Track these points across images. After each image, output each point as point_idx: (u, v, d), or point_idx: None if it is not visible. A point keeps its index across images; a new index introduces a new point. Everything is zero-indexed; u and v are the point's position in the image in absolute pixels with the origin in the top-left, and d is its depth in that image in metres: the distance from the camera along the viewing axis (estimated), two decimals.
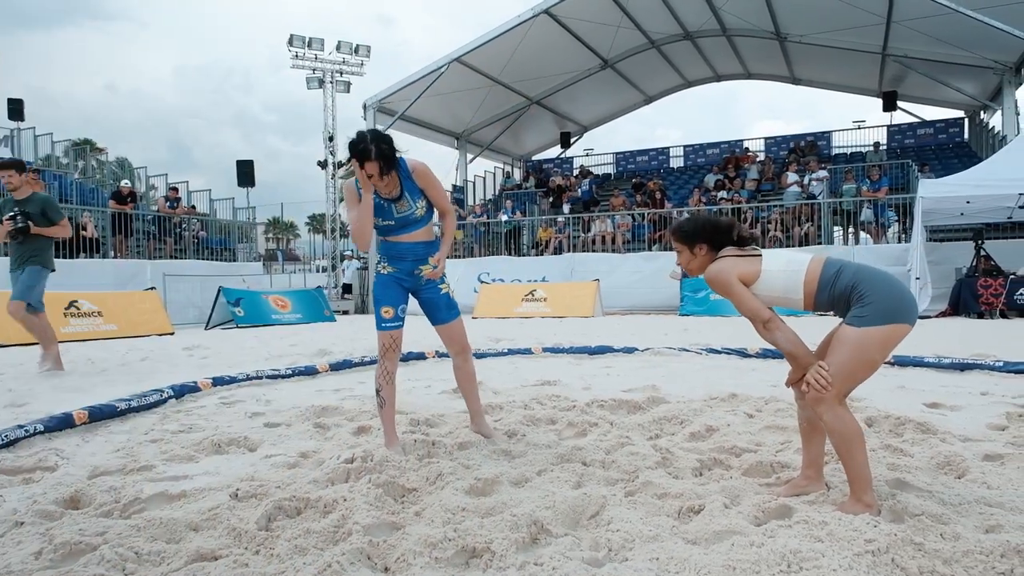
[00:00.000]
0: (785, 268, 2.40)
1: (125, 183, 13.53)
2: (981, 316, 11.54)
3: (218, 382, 4.76)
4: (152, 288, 11.62)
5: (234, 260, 15.16)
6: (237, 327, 11.71)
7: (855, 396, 4.24)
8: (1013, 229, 13.68)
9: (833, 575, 1.70)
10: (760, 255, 2.47)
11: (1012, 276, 11.55)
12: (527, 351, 6.71)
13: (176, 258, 13.86)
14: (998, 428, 3.50)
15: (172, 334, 10.59)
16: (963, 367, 5.31)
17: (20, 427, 3.31)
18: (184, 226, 14.31)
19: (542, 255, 16.57)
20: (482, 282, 15.67)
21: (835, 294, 2.35)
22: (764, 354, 6.31)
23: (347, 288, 19.97)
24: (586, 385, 4.93)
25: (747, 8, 17.06)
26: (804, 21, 17.34)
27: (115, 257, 12.85)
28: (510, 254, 17.01)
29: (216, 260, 14.65)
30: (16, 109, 18.21)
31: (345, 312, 17.19)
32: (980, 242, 12.12)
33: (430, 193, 3.16)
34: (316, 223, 67.28)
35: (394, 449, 3.03)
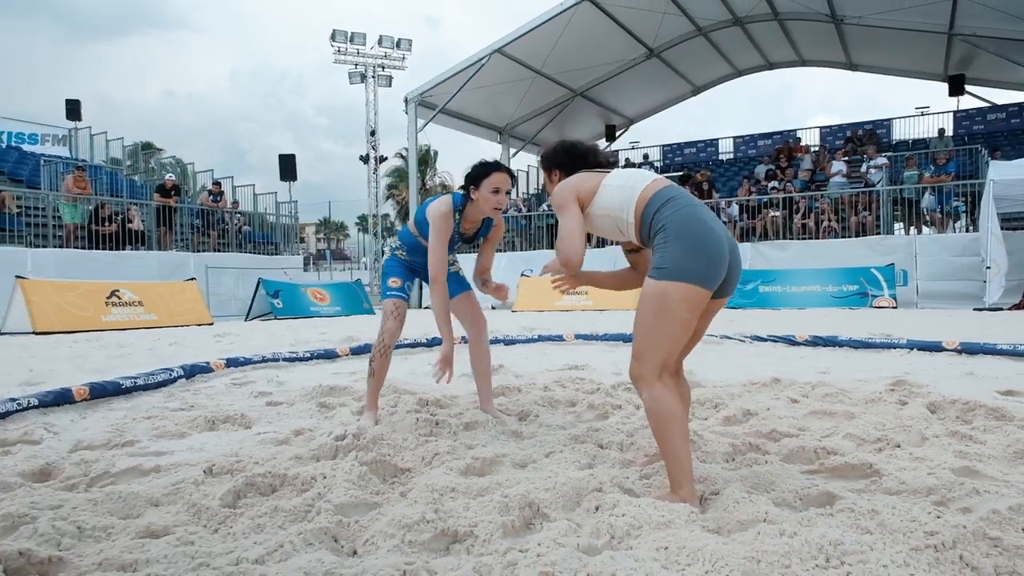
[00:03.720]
0: (623, 184, 2.15)
1: (169, 176, 13.74)
2: None
3: (232, 363, 4.60)
4: (192, 279, 11.72)
5: (277, 254, 15.24)
6: (276, 319, 11.72)
7: (917, 382, 3.81)
8: None
9: (883, 571, 1.36)
10: (607, 172, 2.25)
11: None
12: (558, 338, 6.40)
13: (219, 251, 14.00)
14: None
15: (211, 324, 10.63)
16: None
17: (12, 400, 3.18)
18: (228, 220, 14.45)
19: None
20: (524, 276, 15.39)
21: (651, 231, 2.06)
22: (813, 341, 5.85)
23: None
24: (616, 370, 4.59)
25: None
26: (862, 1, 16.47)
27: (159, 249, 13.04)
28: (552, 248, 16.67)
29: (259, 254, 14.76)
30: (73, 109, 18.79)
31: None
32: None
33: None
34: (364, 223, 68.43)
35: (369, 417, 3.05)
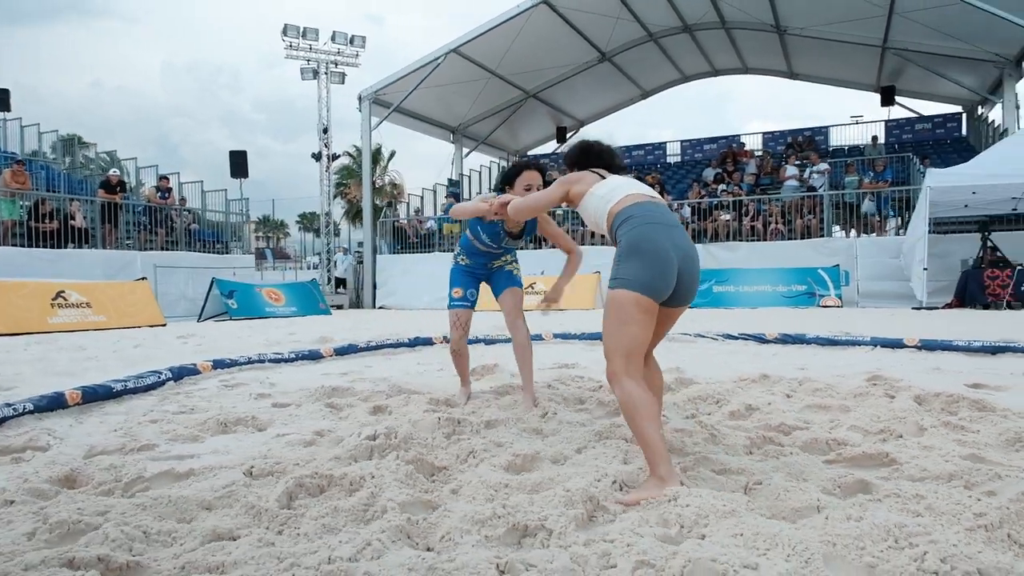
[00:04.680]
0: (602, 196, 2.42)
1: (114, 172, 13.16)
2: (987, 307, 11.40)
3: (219, 365, 4.51)
4: (143, 278, 11.30)
5: (227, 253, 14.82)
6: (231, 319, 11.41)
7: (892, 377, 4.04)
8: (1018, 221, 13.56)
9: (954, 550, 1.48)
10: (605, 178, 2.51)
11: (1019, 267, 11.43)
12: (538, 337, 6.48)
13: (167, 249, 13.52)
14: None
15: (164, 325, 10.28)
16: (994, 350, 5.13)
17: (8, 405, 3.05)
18: (176, 218, 13.96)
19: (540, 248, 16.34)
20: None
21: (615, 237, 2.34)
22: (783, 339, 6.11)
23: (340, 282, 19.69)
24: (592, 366, 4.70)
25: (747, 0, 16.88)
26: (805, 13, 17.16)
27: (104, 247, 12.50)
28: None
29: (209, 252, 14.32)
30: (2, 99, 17.78)
31: (339, 306, 16.90)
32: (987, 233, 11.99)
33: (551, 232, 3.42)
34: (307, 221, 66.82)
35: (462, 393, 3.58)
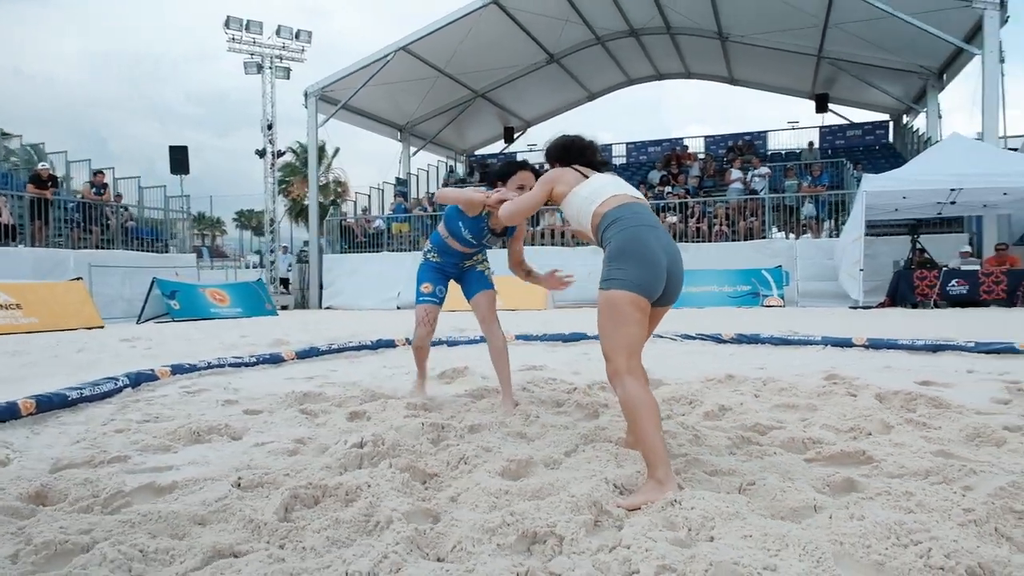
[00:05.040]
0: (586, 197, 2.43)
1: (43, 165, 12.46)
2: (915, 306, 12.00)
3: (178, 370, 4.34)
4: (78, 279, 10.77)
5: (166, 252, 14.27)
6: (173, 321, 11.00)
7: (847, 375, 4.21)
8: (943, 224, 14.34)
9: (955, 545, 1.56)
10: (588, 177, 2.51)
11: (945, 268, 12.08)
12: None
13: (102, 248, 12.91)
14: (1002, 402, 3.50)
15: (102, 327, 9.83)
16: (935, 348, 5.40)
17: None
18: (112, 215, 13.35)
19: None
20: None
21: (602, 239, 2.37)
22: (738, 339, 6.29)
23: (283, 282, 19.23)
24: (575, 370, 4.75)
25: (692, 7, 17.31)
26: (747, 22, 17.72)
27: (34, 245, 11.85)
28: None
29: (147, 251, 13.76)
30: None
31: (284, 307, 16.50)
32: (916, 236, 12.63)
33: (516, 248, 3.48)
34: (245, 219, 64.91)
35: (418, 386, 3.67)
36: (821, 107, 22.09)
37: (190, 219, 15.43)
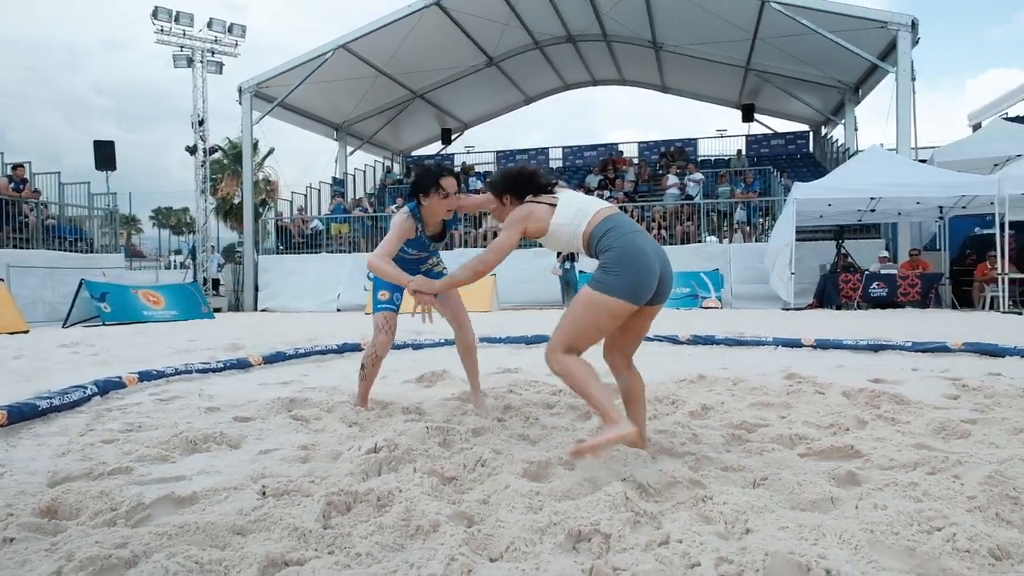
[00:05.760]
0: (571, 222, 2.54)
1: None
2: (840, 308, 12.72)
3: (145, 377, 4.17)
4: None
5: (91, 251, 13.54)
6: (104, 324, 10.46)
7: (806, 375, 4.46)
8: (862, 231, 15.25)
9: (974, 530, 1.72)
10: (555, 204, 2.59)
11: (867, 272, 12.86)
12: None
13: (20, 247, 12.14)
14: (952, 397, 3.79)
15: (27, 332, 9.25)
16: (876, 347, 5.78)
17: None
18: (31, 212, 12.56)
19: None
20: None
21: (596, 250, 2.51)
22: (694, 340, 6.54)
23: (214, 283, 18.55)
24: (548, 371, 4.82)
25: (629, 16, 17.75)
26: (680, 32, 18.33)
27: None
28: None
29: (70, 251, 13.01)
30: None
31: (218, 309, 15.93)
32: (840, 241, 13.38)
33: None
34: (163, 217, 62.01)
35: (365, 409, 3.41)
36: (747, 117, 23.06)
37: (119, 218, 14.68)
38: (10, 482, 2.37)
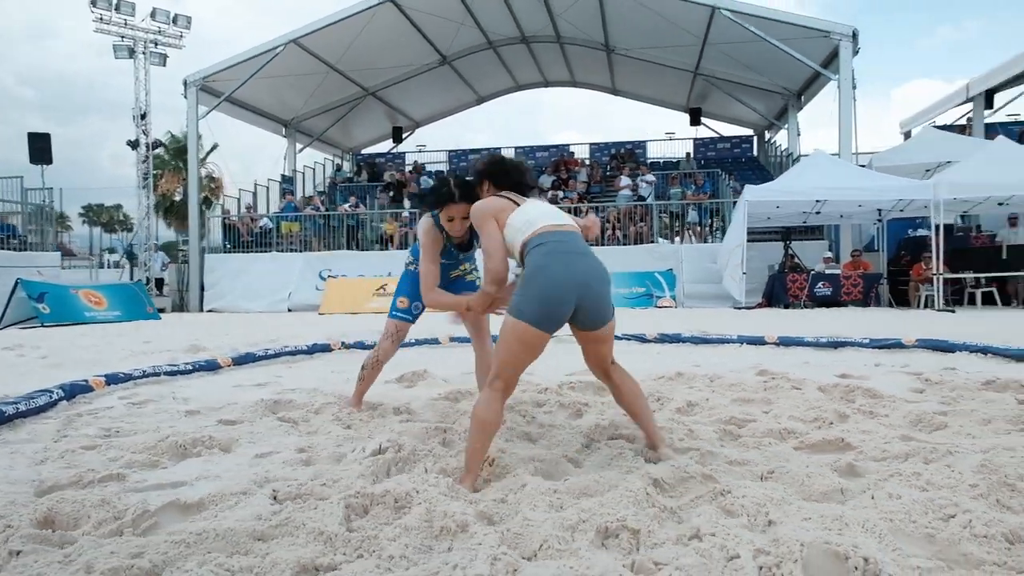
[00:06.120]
0: (519, 228, 2.48)
1: None
2: (787, 306, 13.15)
3: (112, 380, 3.99)
4: None
5: (25, 249, 12.87)
6: (42, 325, 9.95)
7: (777, 371, 4.59)
8: (807, 232, 15.80)
9: (985, 515, 1.80)
10: (517, 205, 2.55)
11: (813, 272, 13.33)
12: (435, 341, 6.45)
13: None
14: (918, 391, 3.96)
15: None
16: (835, 344, 6.00)
17: None
18: None
19: (387, 249, 16.10)
20: (323, 279, 14.90)
21: (524, 266, 2.44)
22: (661, 339, 6.65)
23: (157, 283, 17.89)
24: (529, 371, 4.83)
25: (582, 18, 17.93)
26: (632, 36, 18.62)
27: None
28: (352, 248, 16.32)
29: (2, 249, 12.33)
30: None
31: (162, 310, 15.35)
32: (788, 242, 13.83)
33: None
34: (95, 214, 59.36)
35: (358, 410, 3.34)
36: (695, 120, 23.61)
37: (54, 215, 13.99)
38: None
